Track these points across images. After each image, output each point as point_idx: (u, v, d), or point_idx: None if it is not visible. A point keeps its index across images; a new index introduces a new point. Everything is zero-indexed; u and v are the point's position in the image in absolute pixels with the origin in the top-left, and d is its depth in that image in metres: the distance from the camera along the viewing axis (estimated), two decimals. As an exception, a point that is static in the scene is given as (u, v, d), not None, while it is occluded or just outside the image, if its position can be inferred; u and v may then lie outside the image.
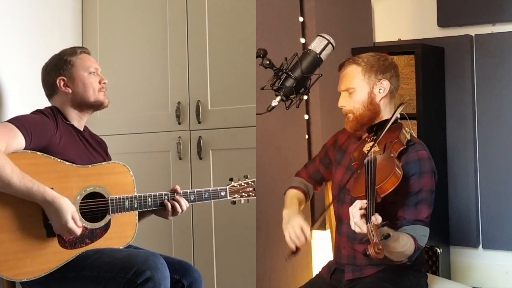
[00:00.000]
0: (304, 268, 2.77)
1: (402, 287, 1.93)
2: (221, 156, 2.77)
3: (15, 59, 2.54)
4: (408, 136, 1.93)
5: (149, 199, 2.10)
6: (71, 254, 1.93)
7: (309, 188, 2.21)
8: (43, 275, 1.88)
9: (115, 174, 2.08)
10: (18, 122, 1.90)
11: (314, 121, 2.87)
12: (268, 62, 1.92)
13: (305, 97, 2.00)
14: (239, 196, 2.29)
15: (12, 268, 1.83)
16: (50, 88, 2.13)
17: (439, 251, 3.10)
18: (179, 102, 2.85)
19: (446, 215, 3.39)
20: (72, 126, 2.12)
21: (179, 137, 2.84)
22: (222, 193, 2.26)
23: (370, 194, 1.69)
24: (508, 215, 3.27)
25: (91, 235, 1.98)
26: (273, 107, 1.92)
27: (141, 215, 2.18)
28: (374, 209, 1.66)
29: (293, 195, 2.14)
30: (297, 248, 1.92)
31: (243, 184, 2.30)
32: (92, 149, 2.16)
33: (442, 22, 3.41)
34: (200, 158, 2.80)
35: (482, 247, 3.39)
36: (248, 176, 2.31)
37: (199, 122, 2.80)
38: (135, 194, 2.09)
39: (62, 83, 2.10)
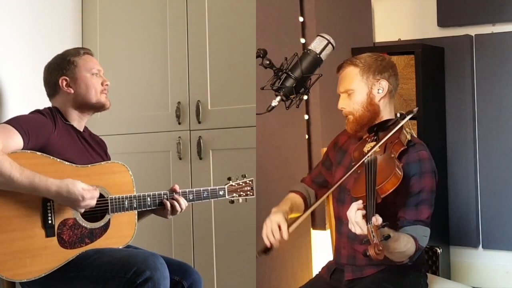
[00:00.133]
0: (304, 268, 2.77)
1: (402, 287, 1.93)
2: (221, 156, 2.77)
3: (15, 59, 2.54)
4: (409, 137, 1.93)
5: (148, 199, 2.09)
6: (70, 254, 1.93)
7: (310, 193, 2.20)
8: (43, 275, 1.88)
9: (114, 174, 2.08)
10: (15, 122, 1.90)
11: (314, 121, 2.87)
12: (268, 62, 1.92)
13: (305, 97, 2.00)
14: (237, 195, 2.29)
15: (11, 268, 1.83)
16: (52, 88, 2.13)
17: (439, 251, 3.10)
18: (179, 102, 2.85)
19: (446, 215, 3.39)
20: (72, 126, 2.12)
21: (179, 137, 2.84)
22: (221, 192, 2.25)
23: (370, 195, 1.69)
24: (508, 215, 3.27)
25: (90, 235, 1.98)
26: (273, 107, 1.92)
27: (141, 215, 2.18)
28: (374, 209, 1.66)
29: (289, 198, 2.14)
30: (271, 246, 1.88)
31: (241, 183, 2.30)
32: (91, 149, 2.15)
33: (442, 22, 3.41)
34: (200, 158, 2.80)
35: (482, 247, 3.39)
36: (246, 175, 2.31)
37: (199, 122, 2.80)
38: (135, 193, 2.09)
39: (64, 83, 2.10)
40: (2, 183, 1.78)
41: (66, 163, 1.95)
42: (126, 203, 2.04)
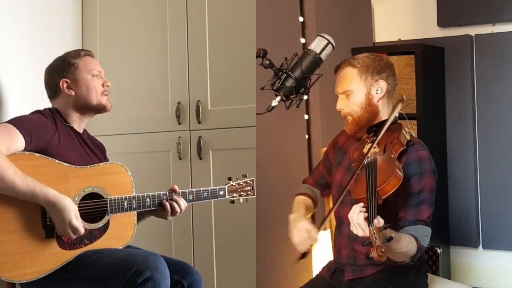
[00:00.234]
0: (304, 268, 2.77)
1: (403, 287, 1.93)
2: (221, 156, 2.77)
3: (15, 60, 2.54)
4: (408, 137, 1.93)
5: (148, 199, 2.09)
6: (70, 254, 1.93)
7: (317, 193, 2.21)
8: (42, 276, 1.88)
9: (114, 175, 2.07)
10: (18, 122, 1.90)
11: (314, 121, 2.87)
12: (268, 62, 1.92)
13: (305, 97, 2.00)
14: (238, 195, 2.28)
15: (11, 269, 1.83)
16: (53, 90, 2.13)
17: (439, 251, 3.10)
18: (179, 102, 2.85)
19: (446, 215, 3.39)
20: (72, 128, 2.11)
21: (179, 137, 2.84)
22: (221, 193, 2.25)
23: (371, 196, 1.69)
24: (508, 215, 3.27)
25: (90, 236, 1.97)
26: (273, 107, 1.92)
27: (140, 217, 2.17)
28: (376, 211, 1.66)
29: (300, 201, 2.15)
30: (306, 252, 1.91)
31: (241, 183, 2.29)
32: (90, 151, 2.15)
33: (442, 22, 3.41)
34: (200, 158, 2.80)
35: (482, 247, 3.38)
36: (247, 175, 2.31)
37: (199, 122, 2.80)
38: (134, 194, 2.09)
39: (65, 85, 2.10)
40: (3, 189, 1.79)
41: (66, 164, 1.95)
42: (126, 203, 2.04)
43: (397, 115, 1.95)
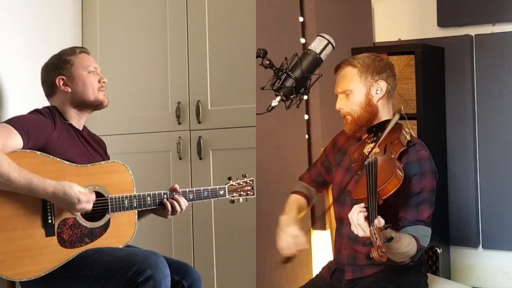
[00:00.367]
0: (304, 268, 2.77)
1: (403, 287, 1.93)
2: (221, 156, 2.77)
3: (15, 59, 2.54)
4: (408, 137, 1.93)
5: (149, 198, 2.09)
6: (70, 253, 1.93)
7: (312, 192, 2.22)
8: (42, 274, 1.88)
9: (114, 173, 2.08)
10: (15, 122, 1.90)
11: (314, 121, 2.87)
12: (268, 62, 1.92)
13: (305, 97, 1.99)
14: (237, 195, 2.29)
15: (11, 267, 1.83)
16: (49, 87, 2.14)
17: (439, 251, 3.11)
18: (179, 102, 2.85)
19: (446, 215, 3.39)
20: (71, 125, 2.12)
21: (179, 137, 2.84)
22: (221, 192, 2.25)
23: (372, 197, 1.69)
24: (508, 215, 3.27)
25: (90, 234, 1.98)
26: (273, 107, 1.92)
27: (140, 214, 2.17)
28: (376, 211, 1.66)
29: (294, 201, 2.15)
30: (290, 256, 1.91)
31: (241, 183, 2.30)
32: (91, 148, 2.16)
33: (442, 22, 3.41)
34: (200, 158, 2.80)
35: (482, 247, 3.39)
36: (247, 175, 2.31)
37: (199, 122, 2.80)
38: (135, 193, 2.09)
39: (61, 82, 2.11)
40: (0, 183, 1.79)
41: (66, 162, 1.95)
42: (126, 202, 2.04)
43: (398, 116, 1.95)
